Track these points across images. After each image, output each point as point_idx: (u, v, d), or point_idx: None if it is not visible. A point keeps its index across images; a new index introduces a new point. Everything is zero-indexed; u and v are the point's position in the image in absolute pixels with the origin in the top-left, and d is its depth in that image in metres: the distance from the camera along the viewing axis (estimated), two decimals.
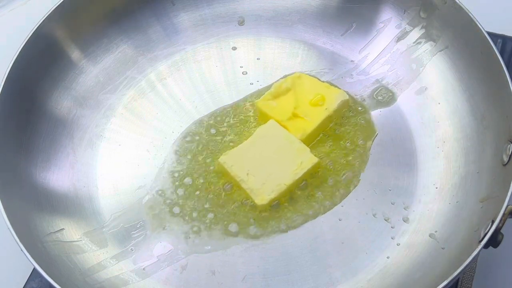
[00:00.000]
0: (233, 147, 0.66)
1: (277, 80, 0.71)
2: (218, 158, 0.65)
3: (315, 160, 0.63)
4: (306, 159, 0.63)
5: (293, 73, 0.70)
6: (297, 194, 0.64)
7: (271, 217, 0.62)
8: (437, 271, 0.54)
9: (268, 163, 0.63)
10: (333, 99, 0.67)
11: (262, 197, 0.61)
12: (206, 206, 0.64)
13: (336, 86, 0.69)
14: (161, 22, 0.76)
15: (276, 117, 0.66)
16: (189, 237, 0.62)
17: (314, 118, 0.66)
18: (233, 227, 0.62)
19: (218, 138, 0.68)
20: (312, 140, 0.67)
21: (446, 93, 0.67)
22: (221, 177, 0.65)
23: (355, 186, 0.64)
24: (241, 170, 0.63)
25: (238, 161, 0.64)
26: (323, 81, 0.70)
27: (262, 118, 0.68)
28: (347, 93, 0.68)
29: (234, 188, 0.64)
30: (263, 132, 0.66)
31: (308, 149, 0.64)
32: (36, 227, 0.59)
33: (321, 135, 0.67)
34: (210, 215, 0.63)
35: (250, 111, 0.70)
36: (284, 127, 0.66)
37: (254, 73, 0.73)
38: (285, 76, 0.71)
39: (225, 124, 0.69)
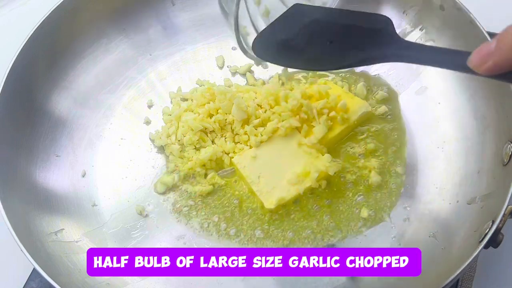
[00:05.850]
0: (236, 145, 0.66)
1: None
2: (221, 157, 0.65)
3: (329, 168, 0.63)
4: (320, 167, 0.62)
5: (319, 80, 0.70)
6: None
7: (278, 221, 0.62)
8: (437, 271, 0.54)
9: (281, 168, 0.63)
10: (356, 110, 0.66)
11: (271, 201, 0.61)
12: (207, 207, 0.64)
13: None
14: (161, 22, 0.76)
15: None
16: (189, 237, 0.62)
17: (333, 127, 0.65)
18: (233, 231, 0.62)
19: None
20: (329, 148, 0.66)
21: (447, 93, 0.67)
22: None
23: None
24: (253, 172, 0.63)
25: (251, 162, 0.64)
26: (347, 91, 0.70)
27: None
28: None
29: (236, 191, 0.65)
30: (280, 137, 0.65)
31: (323, 157, 0.63)
32: (36, 227, 0.59)
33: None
34: (211, 217, 0.63)
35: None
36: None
37: (254, 73, 0.73)
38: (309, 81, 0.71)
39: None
